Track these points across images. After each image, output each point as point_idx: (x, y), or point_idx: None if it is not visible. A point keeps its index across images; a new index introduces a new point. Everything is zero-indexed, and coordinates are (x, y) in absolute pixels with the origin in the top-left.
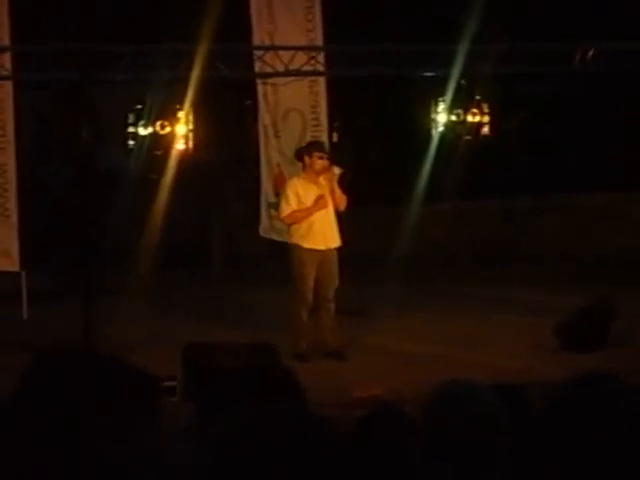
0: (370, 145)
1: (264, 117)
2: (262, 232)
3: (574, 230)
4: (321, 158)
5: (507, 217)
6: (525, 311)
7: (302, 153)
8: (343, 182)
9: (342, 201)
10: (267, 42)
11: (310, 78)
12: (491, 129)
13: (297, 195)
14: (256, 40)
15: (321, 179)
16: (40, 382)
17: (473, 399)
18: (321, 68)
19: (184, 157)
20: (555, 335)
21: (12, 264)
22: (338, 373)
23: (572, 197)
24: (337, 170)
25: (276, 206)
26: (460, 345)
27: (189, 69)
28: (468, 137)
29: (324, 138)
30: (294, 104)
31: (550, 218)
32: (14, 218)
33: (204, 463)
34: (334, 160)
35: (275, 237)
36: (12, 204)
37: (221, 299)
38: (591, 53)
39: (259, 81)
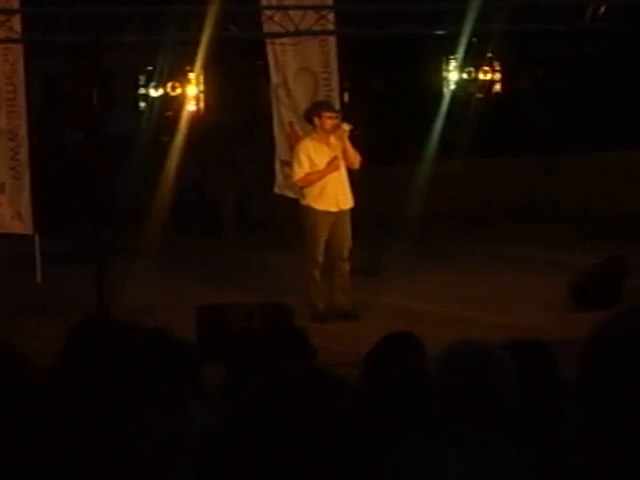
0: (382, 104)
1: (274, 77)
2: (277, 189)
3: (588, 188)
4: (330, 118)
5: (519, 175)
6: (538, 270)
7: (311, 115)
8: (354, 138)
9: (356, 159)
10: (274, 2)
11: (320, 37)
12: (503, 87)
13: (309, 157)
14: (263, 0)
15: (332, 139)
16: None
17: (485, 359)
18: (331, 27)
19: (195, 119)
20: (568, 293)
21: (26, 227)
22: (351, 334)
23: (586, 155)
24: (347, 126)
25: (290, 164)
26: (474, 305)
27: (200, 30)
28: (480, 95)
29: (335, 98)
30: (305, 64)
31: (564, 176)
32: (26, 181)
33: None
34: (344, 118)
35: (289, 194)
36: (24, 167)
37: (233, 261)
38: (603, 10)
39: (268, 41)
